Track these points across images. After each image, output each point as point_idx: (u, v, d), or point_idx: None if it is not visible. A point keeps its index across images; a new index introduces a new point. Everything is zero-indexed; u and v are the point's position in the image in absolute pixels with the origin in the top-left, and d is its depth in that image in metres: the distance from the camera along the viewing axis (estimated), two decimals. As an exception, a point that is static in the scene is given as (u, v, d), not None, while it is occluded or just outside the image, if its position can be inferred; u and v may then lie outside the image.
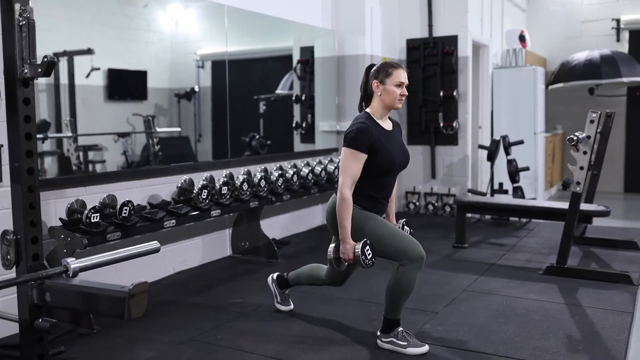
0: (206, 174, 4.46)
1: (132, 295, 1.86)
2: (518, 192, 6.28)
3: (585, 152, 4.11)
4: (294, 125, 6.35)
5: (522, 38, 7.84)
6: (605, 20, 8.72)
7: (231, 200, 4.34)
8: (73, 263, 2.12)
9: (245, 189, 4.42)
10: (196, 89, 6.29)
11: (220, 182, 4.25)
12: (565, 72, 7.83)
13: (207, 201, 4.10)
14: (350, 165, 2.86)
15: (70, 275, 2.11)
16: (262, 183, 4.62)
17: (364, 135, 2.85)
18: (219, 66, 6.33)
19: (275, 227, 5.41)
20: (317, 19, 6.19)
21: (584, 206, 4.47)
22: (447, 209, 6.72)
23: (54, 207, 3.50)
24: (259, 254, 4.81)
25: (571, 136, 4.05)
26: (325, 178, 5.43)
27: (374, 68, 3.00)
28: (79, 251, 3.31)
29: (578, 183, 4.16)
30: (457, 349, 2.98)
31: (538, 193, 7.43)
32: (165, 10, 5.94)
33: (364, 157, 2.86)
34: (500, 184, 6.53)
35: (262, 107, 6.22)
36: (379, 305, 3.55)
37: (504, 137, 6.47)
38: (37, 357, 2.12)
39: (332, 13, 6.38)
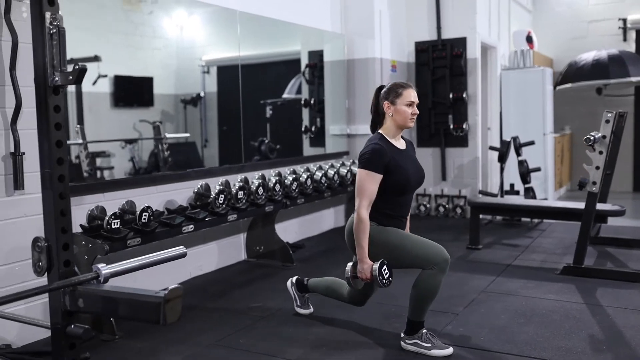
0: (221, 179, 4.47)
1: (168, 300, 1.86)
2: (530, 192, 6.27)
3: (601, 152, 4.12)
4: (303, 129, 6.36)
5: (529, 39, 7.85)
6: (612, 20, 8.72)
7: (247, 205, 4.35)
8: (104, 269, 2.13)
9: (260, 194, 4.43)
10: (202, 94, 6.31)
11: (236, 187, 4.26)
12: (573, 73, 7.83)
13: (223, 206, 4.11)
14: (366, 186, 2.90)
15: (102, 281, 2.12)
16: (277, 187, 4.63)
17: (378, 155, 2.90)
18: (225, 71, 6.35)
19: (288, 231, 5.42)
20: (326, 23, 6.20)
21: (599, 206, 4.47)
22: (458, 210, 6.72)
23: (73, 214, 3.50)
24: (274, 258, 4.82)
25: (588, 136, 4.06)
26: (338, 181, 5.44)
27: (384, 89, 3.07)
28: (99, 257, 3.33)
29: (594, 183, 4.16)
30: (481, 349, 2.98)
31: (548, 193, 7.42)
32: (170, 16, 5.96)
33: (379, 177, 2.91)
34: (512, 185, 6.53)
35: (268, 112, 6.23)
36: (398, 308, 3.56)
37: (515, 138, 6.47)
38: (70, 363, 2.13)
39: (341, 17, 6.40)
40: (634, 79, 7.40)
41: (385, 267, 2.88)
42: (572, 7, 9.03)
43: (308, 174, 5.08)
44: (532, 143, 6.55)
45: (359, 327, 3.33)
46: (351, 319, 3.43)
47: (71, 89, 4.54)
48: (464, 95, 6.59)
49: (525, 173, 6.32)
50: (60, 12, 2.01)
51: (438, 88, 6.74)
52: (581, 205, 4.57)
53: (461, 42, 6.60)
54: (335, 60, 6.39)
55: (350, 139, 6.51)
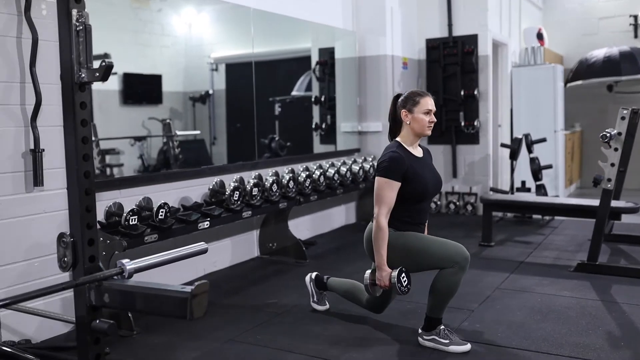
0: (235, 176, 4.49)
1: (194, 295, 1.88)
2: (541, 190, 6.27)
3: (616, 149, 4.11)
4: (313, 126, 6.37)
5: (539, 36, 7.84)
6: (623, 17, 8.69)
7: (261, 202, 4.36)
8: (128, 264, 2.14)
9: (275, 190, 4.45)
10: (210, 92, 6.33)
11: (251, 184, 4.27)
12: (584, 70, 7.81)
13: (238, 202, 4.12)
14: (385, 194, 2.93)
15: (126, 276, 2.13)
16: (291, 184, 4.64)
17: (396, 163, 2.93)
18: (234, 69, 6.36)
19: (300, 227, 5.43)
20: (338, 20, 6.21)
21: (613, 203, 4.46)
22: (469, 207, 6.72)
23: (91, 210, 3.53)
24: (287, 255, 4.83)
25: (604, 133, 4.05)
26: (350, 178, 5.44)
27: (401, 98, 3.10)
28: (117, 253, 3.35)
29: (609, 180, 4.15)
30: (498, 346, 2.98)
31: (559, 190, 7.41)
32: (179, 13, 5.98)
33: (397, 185, 2.93)
34: (523, 182, 6.52)
35: (277, 109, 6.24)
36: (414, 304, 3.57)
37: (526, 136, 6.46)
38: (95, 358, 2.15)
39: (352, 14, 6.40)
40: (645, 76, 7.38)
41: (404, 274, 2.90)
42: (583, 4, 9.00)
43: (321, 171, 5.09)
44: (543, 140, 6.54)
45: (375, 324, 3.34)
46: (368, 316, 3.44)
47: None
48: (475, 92, 6.59)
49: (536, 170, 6.31)
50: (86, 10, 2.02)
51: (449, 85, 6.73)
52: (594, 202, 4.57)
53: (472, 39, 6.59)
54: (346, 57, 6.39)
55: (362, 136, 6.51)
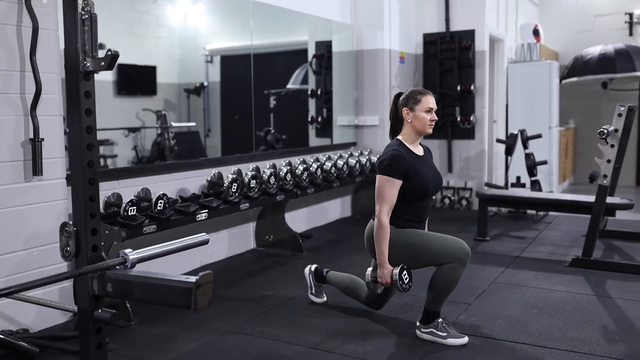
0: (233, 168, 4.49)
1: (199, 286, 1.88)
2: (536, 185, 6.30)
3: (612, 146, 4.14)
4: (309, 119, 6.37)
5: (536, 32, 7.85)
6: (618, 14, 8.73)
7: (259, 194, 4.37)
8: (131, 254, 2.14)
9: (272, 183, 4.45)
10: (205, 84, 6.31)
11: (249, 176, 4.27)
12: (579, 66, 7.84)
13: (236, 194, 4.12)
14: (386, 192, 2.95)
15: (129, 266, 2.13)
16: (288, 177, 4.64)
17: (397, 162, 2.94)
18: (229, 61, 6.34)
19: (296, 220, 5.43)
20: (335, 14, 6.20)
21: (608, 199, 4.49)
22: (464, 202, 6.75)
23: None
24: (284, 247, 4.84)
25: (601, 129, 4.08)
26: (347, 172, 5.45)
27: (403, 96, 3.12)
28: (115, 244, 3.35)
29: (605, 176, 4.18)
30: (495, 339, 3.01)
31: (553, 186, 7.45)
32: (174, 4, 5.95)
33: (399, 183, 2.95)
34: (518, 178, 6.56)
35: (272, 102, 6.24)
36: (411, 297, 3.59)
37: (522, 131, 6.49)
38: (96, 347, 2.15)
39: (350, 7, 6.39)
40: (640, 73, 7.42)
41: (405, 272, 2.92)
42: (579, 1, 9.04)
43: (318, 164, 5.10)
44: (539, 136, 6.57)
45: (373, 316, 3.35)
46: (365, 309, 3.45)
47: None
48: (472, 87, 6.61)
49: (532, 166, 6.34)
50: (92, -2, 2.02)
51: (446, 80, 6.75)
52: (590, 198, 4.60)
53: (469, 35, 6.60)
54: (343, 50, 6.39)
55: (358, 129, 6.52)
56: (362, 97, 6.48)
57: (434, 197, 6.87)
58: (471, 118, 6.64)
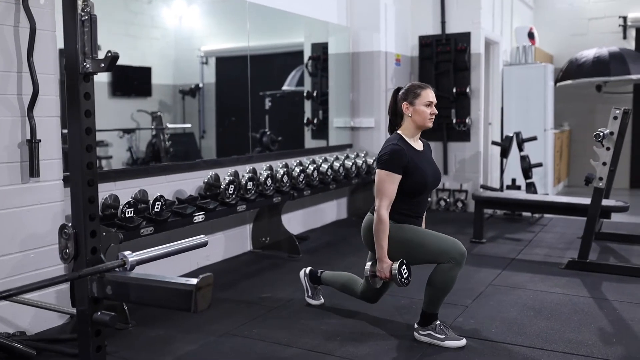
0: (230, 170, 4.48)
1: (199, 288, 1.87)
2: (531, 187, 6.33)
3: (608, 148, 4.16)
4: (305, 121, 6.37)
5: (531, 35, 7.89)
6: (612, 18, 8.78)
7: (256, 196, 4.36)
8: (130, 256, 2.13)
9: (269, 185, 4.44)
10: (200, 85, 6.30)
11: (246, 178, 4.27)
12: (574, 69, 7.88)
13: (233, 196, 4.11)
14: (386, 187, 2.93)
15: (128, 268, 2.12)
16: (285, 179, 4.64)
17: (397, 156, 2.93)
18: (224, 62, 6.33)
19: (292, 222, 5.43)
20: (332, 16, 6.20)
21: (603, 201, 4.51)
22: (459, 204, 6.76)
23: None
24: (280, 249, 4.84)
25: (597, 132, 4.10)
26: (343, 174, 5.45)
27: (402, 91, 3.10)
28: (112, 245, 3.33)
29: (600, 179, 4.20)
30: (492, 341, 3.02)
31: (548, 189, 7.48)
32: (169, 5, 5.93)
33: (398, 177, 2.94)
34: (513, 180, 6.58)
35: (267, 104, 6.23)
36: (408, 299, 3.60)
37: (517, 134, 6.52)
38: (95, 349, 2.14)
39: (346, 9, 6.40)
40: (634, 76, 7.47)
41: (404, 266, 2.91)
42: (573, 5, 9.08)
43: (314, 166, 5.10)
44: (534, 139, 6.59)
45: (371, 319, 3.35)
46: (363, 311, 3.46)
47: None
48: (467, 90, 6.62)
49: (527, 168, 6.37)
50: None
51: (441, 82, 6.76)
52: (586, 200, 4.62)
53: (465, 37, 6.62)
54: (339, 52, 6.40)
55: (354, 131, 6.52)
56: (358, 99, 6.48)
57: (429, 199, 6.89)
58: (467, 120, 6.66)
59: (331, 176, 5.29)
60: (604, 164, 4.20)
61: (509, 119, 7.47)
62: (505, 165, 6.59)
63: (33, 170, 3.04)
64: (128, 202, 3.36)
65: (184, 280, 1.94)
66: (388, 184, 2.93)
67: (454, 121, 6.70)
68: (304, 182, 4.90)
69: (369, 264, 3.07)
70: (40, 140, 3.06)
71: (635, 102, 8.79)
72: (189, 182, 4.32)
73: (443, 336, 2.96)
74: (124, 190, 3.69)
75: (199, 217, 3.85)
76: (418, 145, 3.10)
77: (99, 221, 2.18)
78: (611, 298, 3.67)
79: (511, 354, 2.86)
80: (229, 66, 6.32)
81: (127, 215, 3.33)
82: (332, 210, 6.21)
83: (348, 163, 5.57)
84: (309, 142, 6.35)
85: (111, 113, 5.72)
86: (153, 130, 5.72)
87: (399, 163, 2.92)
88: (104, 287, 2.07)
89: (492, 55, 7.37)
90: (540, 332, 3.12)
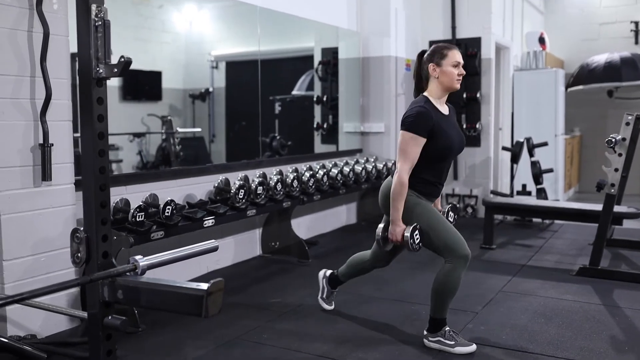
0: (240, 174, 4.49)
1: (210, 293, 1.88)
2: (542, 193, 6.29)
3: (620, 154, 4.13)
4: (315, 126, 6.37)
5: (541, 40, 7.86)
6: (624, 23, 8.73)
7: (266, 200, 4.36)
8: (142, 261, 2.13)
9: (279, 189, 4.45)
10: (210, 89, 6.32)
11: (256, 182, 4.27)
12: (585, 75, 7.84)
13: (243, 201, 4.12)
14: (409, 150, 2.85)
15: (139, 272, 2.13)
16: (295, 183, 4.64)
17: (423, 119, 2.84)
18: (234, 67, 6.35)
19: (301, 227, 5.43)
20: (342, 21, 6.21)
21: (615, 208, 4.48)
22: (469, 210, 6.74)
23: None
24: (290, 254, 4.83)
25: (609, 138, 4.07)
26: (353, 179, 5.45)
27: (427, 52, 3.01)
28: (123, 249, 3.35)
29: (612, 185, 4.17)
30: (503, 348, 3.00)
31: (559, 194, 7.44)
32: (180, 10, 5.96)
33: (423, 141, 2.85)
34: (524, 186, 6.54)
35: (277, 108, 6.24)
36: (417, 305, 3.59)
37: (528, 139, 6.49)
38: (106, 354, 2.15)
39: (357, 15, 6.41)
40: (646, 82, 7.41)
41: (417, 231, 2.85)
42: (584, 9, 9.04)
43: (324, 170, 5.10)
44: (545, 144, 6.56)
45: (380, 325, 3.34)
46: (372, 317, 3.45)
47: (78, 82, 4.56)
48: (478, 95, 6.60)
49: (537, 174, 6.34)
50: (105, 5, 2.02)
51: (452, 87, 6.73)
52: (597, 207, 4.59)
53: (476, 42, 6.61)
54: (350, 57, 6.40)
55: (364, 136, 6.52)
56: (368, 103, 6.48)
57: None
58: (477, 125, 6.64)
59: (341, 181, 5.28)
60: (616, 170, 4.18)
61: (519, 125, 7.44)
62: (516, 170, 6.56)
63: (45, 174, 3.06)
64: (139, 206, 3.38)
65: (194, 285, 1.94)
66: (412, 146, 2.85)
67: (465, 126, 6.67)
68: (313, 186, 4.90)
69: (381, 226, 3.02)
70: (52, 144, 3.08)
71: (647, 108, 8.72)
72: (199, 187, 4.33)
73: (453, 342, 2.94)
74: (135, 195, 3.70)
75: (209, 222, 3.86)
76: (444, 109, 3.00)
77: (111, 225, 2.19)
78: (623, 305, 3.64)
79: (522, 362, 2.84)
80: (239, 70, 6.34)
81: (137, 220, 3.35)
82: (341, 215, 6.20)
83: (358, 168, 5.56)
84: (319, 147, 6.36)
85: (122, 117, 5.75)
86: (163, 134, 5.75)
87: (425, 126, 2.84)
88: (115, 292, 2.08)
89: (503, 60, 7.35)
90: (551, 340, 3.10)
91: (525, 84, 7.44)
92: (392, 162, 6.23)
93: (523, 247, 5.27)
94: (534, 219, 6.34)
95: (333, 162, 5.59)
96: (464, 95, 6.65)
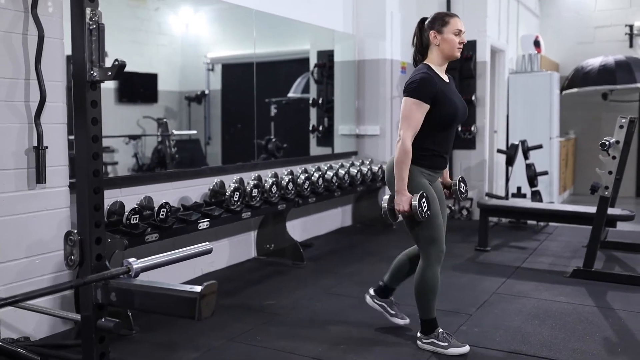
0: (235, 176, 4.49)
1: (203, 296, 1.88)
2: (537, 196, 6.31)
3: (614, 157, 4.15)
4: (310, 128, 6.38)
5: (536, 43, 7.89)
6: (618, 26, 8.78)
7: (261, 203, 4.37)
8: (135, 263, 2.14)
9: (274, 192, 4.46)
10: (206, 92, 6.33)
11: (251, 185, 4.28)
12: (580, 78, 7.87)
13: (238, 203, 4.13)
14: (412, 116, 2.80)
15: (133, 275, 2.13)
16: (290, 186, 4.65)
17: (427, 85, 2.81)
18: (230, 69, 6.36)
19: (296, 229, 5.43)
20: (338, 24, 6.23)
21: (609, 210, 4.50)
22: (465, 212, 6.75)
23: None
24: (284, 256, 4.84)
25: (603, 141, 4.09)
26: (348, 181, 5.46)
27: (429, 19, 2.98)
28: (117, 252, 3.35)
29: (606, 187, 4.19)
30: (496, 350, 3.01)
31: (553, 197, 7.46)
32: (176, 12, 5.97)
33: (426, 107, 2.81)
34: (519, 188, 6.57)
35: (273, 111, 6.25)
36: (412, 308, 3.58)
37: (523, 142, 6.51)
38: (99, 356, 2.15)
39: (352, 18, 6.42)
40: (640, 85, 7.45)
41: (424, 199, 2.79)
42: (579, 13, 9.08)
43: (319, 173, 5.11)
44: (540, 147, 6.58)
45: (374, 327, 3.35)
46: (366, 319, 3.46)
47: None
48: (473, 98, 6.63)
49: (532, 176, 6.36)
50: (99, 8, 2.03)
51: (447, 90, 6.75)
52: (591, 209, 4.61)
53: (471, 45, 6.63)
54: (345, 60, 6.42)
55: (359, 139, 6.53)
56: (364, 106, 6.50)
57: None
58: (472, 128, 6.66)
59: (336, 183, 5.29)
60: (610, 172, 4.20)
61: (514, 127, 7.47)
62: (511, 173, 6.58)
63: (39, 176, 3.07)
64: (133, 209, 3.38)
65: (188, 287, 1.95)
66: (415, 112, 2.79)
67: (460, 129, 6.69)
68: (309, 189, 4.91)
69: (386, 197, 2.93)
70: (47, 147, 3.08)
71: (641, 111, 8.77)
72: (194, 189, 4.34)
73: (446, 344, 2.95)
74: (130, 197, 3.70)
75: (204, 224, 3.87)
76: (445, 77, 2.97)
77: (105, 228, 2.20)
78: (616, 307, 3.66)
79: (515, 363, 2.86)
80: (235, 73, 6.35)
81: (132, 222, 3.35)
82: (336, 218, 6.21)
83: (353, 170, 5.57)
84: (314, 150, 6.37)
85: (117, 119, 5.75)
86: (159, 137, 5.75)
87: (428, 92, 2.80)
88: (109, 294, 2.08)
89: (498, 63, 7.38)
90: (544, 341, 3.11)
91: (520, 86, 7.47)
92: (388, 164, 6.24)
93: (517, 249, 5.28)
94: (529, 221, 6.36)
95: (328, 165, 5.60)
96: (459, 98, 6.66)
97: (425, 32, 2.98)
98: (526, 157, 6.48)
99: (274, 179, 4.53)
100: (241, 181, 4.41)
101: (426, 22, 2.99)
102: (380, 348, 3.05)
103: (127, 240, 3.28)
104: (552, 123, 7.42)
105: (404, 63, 6.63)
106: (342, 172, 5.40)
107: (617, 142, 4.16)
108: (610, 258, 4.94)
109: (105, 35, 2.09)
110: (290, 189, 4.66)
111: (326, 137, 6.44)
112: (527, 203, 5.84)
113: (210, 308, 1.93)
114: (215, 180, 4.31)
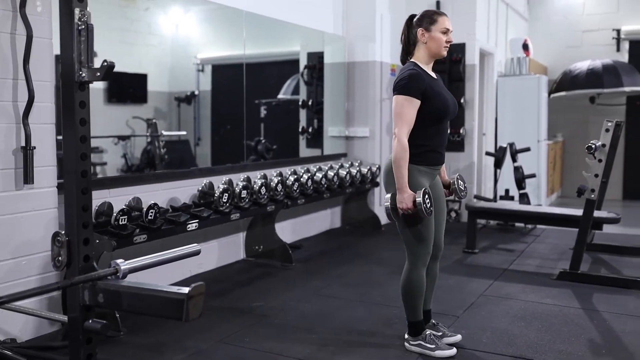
0: (224, 178, 4.49)
1: (191, 297, 1.89)
2: (524, 198, 6.36)
3: (600, 160, 4.19)
4: (300, 130, 6.39)
5: (525, 47, 7.94)
6: (606, 31, 8.86)
7: (250, 204, 4.37)
8: (123, 264, 2.14)
9: (263, 193, 4.46)
10: (196, 92, 6.32)
11: (240, 186, 4.28)
12: (568, 81, 7.94)
13: (227, 204, 4.13)
14: (405, 112, 2.81)
15: (120, 276, 2.13)
16: (279, 187, 4.66)
17: (415, 80, 2.82)
18: (220, 70, 6.35)
19: (285, 231, 5.44)
20: (328, 25, 6.24)
21: (595, 213, 4.54)
22: (453, 214, 6.79)
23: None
24: (273, 258, 4.84)
25: (589, 144, 4.13)
26: (337, 183, 5.48)
27: (417, 17, 2.99)
28: (105, 253, 3.34)
29: (593, 190, 4.23)
30: (483, 351, 3.03)
31: (541, 199, 7.51)
32: (166, 13, 5.96)
33: (417, 103, 2.82)
34: (507, 191, 6.60)
35: (263, 112, 6.25)
36: (398, 309, 3.60)
37: (511, 145, 6.56)
38: (87, 357, 2.14)
39: (342, 20, 6.44)
40: (627, 88, 7.53)
41: (427, 195, 2.77)
42: (568, 17, 9.16)
43: (308, 174, 5.12)
44: (527, 149, 6.63)
45: (362, 328, 3.36)
46: (354, 320, 3.47)
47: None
48: (462, 100, 6.66)
49: (520, 179, 6.40)
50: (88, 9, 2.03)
51: (436, 93, 6.78)
52: (578, 212, 4.65)
53: (460, 48, 6.66)
54: (335, 62, 6.43)
55: (349, 141, 6.55)
56: (353, 108, 6.51)
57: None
58: (461, 131, 6.70)
59: (325, 185, 5.31)
60: (596, 175, 4.24)
61: (503, 130, 7.51)
62: (499, 175, 6.62)
63: (27, 177, 3.05)
64: (122, 210, 3.37)
65: (175, 289, 1.95)
66: (407, 108, 2.81)
67: (449, 131, 6.71)
68: (298, 191, 4.92)
69: (387, 196, 2.89)
70: (35, 147, 3.07)
71: (628, 114, 8.86)
72: (183, 190, 4.33)
73: (433, 346, 2.97)
74: (118, 198, 3.69)
75: (192, 225, 3.86)
76: (433, 74, 2.98)
77: (92, 229, 2.19)
78: (602, 309, 3.70)
79: (501, 365, 2.88)
80: (225, 74, 6.35)
81: (120, 223, 3.34)
82: (326, 219, 6.22)
83: (342, 172, 5.59)
84: (304, 151, 6.38)
85: (106, 119, 5.72)
86: (148, 137, 5.74)
87: (417, 88, 2.80)
88: (96, 295, 2.08)
89: (487, 66, 7.42)
90: (530, 343, 3.14)
91: (509, 89, 7.52)
92: (377, 166, 6.27)
93: (505, 252, 5.32)
94: (517, 224, 6.41)
95: (318, 167, 5.61)
96: (448, 101, 6.69)
97: (413, 30, 2.99)
98: (514, 160, 6.52)
99: (263, 180, 4.53)
100: (230, 182, 4.41)
101: (414, 20, 3.00)
102: (368, 350, 3.07)
103: (115, 241, 3.27)
104: (540, 126, 7.47)
105: (393, 65, 6.66)
106: (331, 173, 5.41)
107: (604, 145, 4.20)
108: (597, 260, 4.98)
109: (94, 35, 2.09)
110: (279, 190, 4.67)
111: (316, 139, 6.44)
112: (515, 205, 5.88)
113: (197, 309, 1.93)
114: (204, 181, 4.31)
